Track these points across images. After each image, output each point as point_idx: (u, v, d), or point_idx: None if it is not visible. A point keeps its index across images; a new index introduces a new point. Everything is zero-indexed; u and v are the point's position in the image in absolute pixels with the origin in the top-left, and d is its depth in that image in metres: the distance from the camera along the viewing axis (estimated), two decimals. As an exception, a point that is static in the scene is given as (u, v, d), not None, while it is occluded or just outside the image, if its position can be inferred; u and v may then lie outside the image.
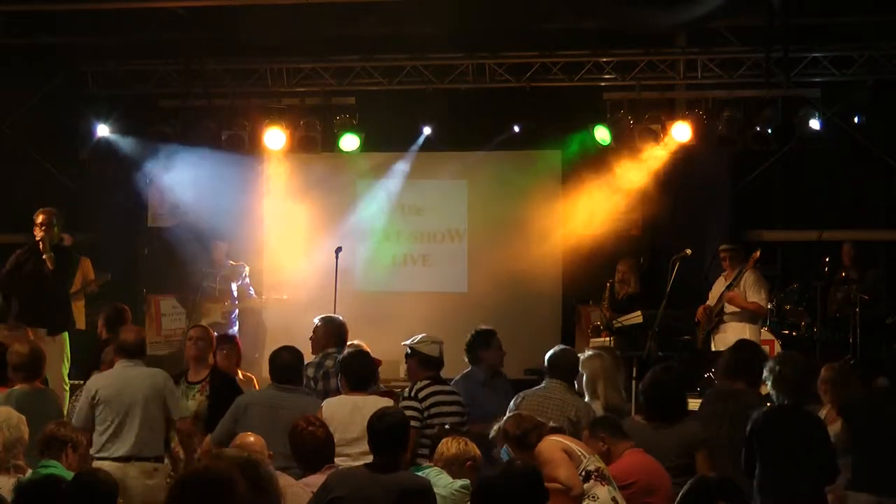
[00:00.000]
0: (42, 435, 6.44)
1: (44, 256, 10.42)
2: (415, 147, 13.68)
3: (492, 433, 6.85)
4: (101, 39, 13.00)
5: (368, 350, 8.47)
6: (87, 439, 7.27)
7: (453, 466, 6.39)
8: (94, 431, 7.57)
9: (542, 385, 7.64)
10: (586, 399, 7.79)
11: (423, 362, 7.75)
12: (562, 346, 8.10)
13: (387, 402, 7.17)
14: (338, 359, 7.91)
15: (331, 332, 8.44)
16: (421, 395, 7.56)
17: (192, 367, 8.38)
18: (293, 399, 7.37)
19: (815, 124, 12.31)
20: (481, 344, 8.27)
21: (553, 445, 6.34)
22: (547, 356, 7.84)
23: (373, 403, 6.97)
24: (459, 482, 6.22)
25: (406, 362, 8.00)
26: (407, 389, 7.80)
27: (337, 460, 6.71)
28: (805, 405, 6.80)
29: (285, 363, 7.62)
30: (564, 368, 7.68)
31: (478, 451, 6.55)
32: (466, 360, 8.29)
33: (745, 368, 7.41)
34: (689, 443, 6.90)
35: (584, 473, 6.24)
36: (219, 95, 13.40)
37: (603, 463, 6.40)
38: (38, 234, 10.47)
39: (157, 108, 13.55)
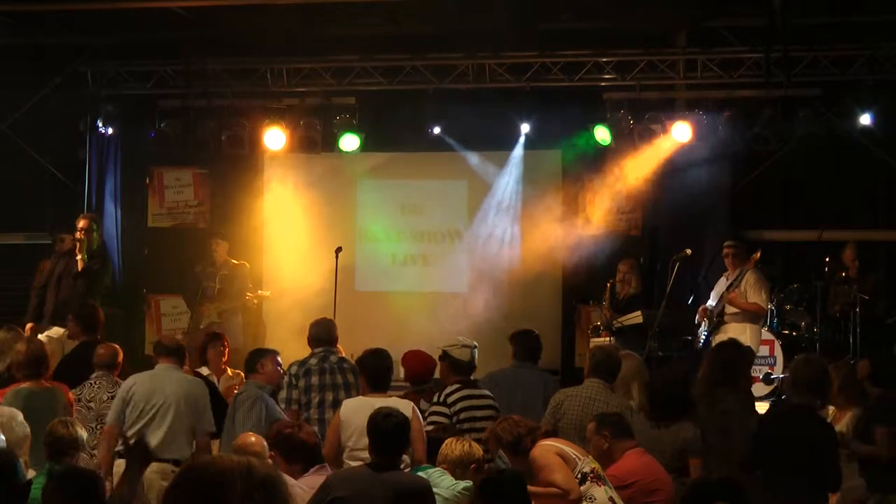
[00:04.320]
0: (48, 437, 6.42)
1: (78, 257, 10.62)
2: (415, 147, 13.69)
3: (484, 435, 6.86)
4: (101, 39, 12.99)
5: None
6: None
7: (457, 468, 6.36)
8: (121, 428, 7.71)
9: (584, 385, 7.56)
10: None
11: (454, 366, 7.83)
12: (602, 346, 8.14)
13: (408, 404, 7.07)
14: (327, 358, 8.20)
15: (316, 333, 8.56)
16: (450, 399, 7.62)
17: None
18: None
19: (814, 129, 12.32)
20: None
21: (547, 450, 6.32)
22: (593, 355, 7.81)
23: (393, 406, 6.84)
24: (462, 483, 6.20)
25: (440, 364, 8.07)
26: (437, 394, 7.85)
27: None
28: (818, 408, 6.76)
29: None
30: (610, 370, 7.63)
31: (482, 453, 6.52)
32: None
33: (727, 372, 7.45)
34: (683, 448, 6.95)
35: (580, 476, 6.23)
36: (219, 95, 13.37)
37: (597, 463, 6.38)
38: (79, 237, 10.85)
39: (157, 108, 13.54)
